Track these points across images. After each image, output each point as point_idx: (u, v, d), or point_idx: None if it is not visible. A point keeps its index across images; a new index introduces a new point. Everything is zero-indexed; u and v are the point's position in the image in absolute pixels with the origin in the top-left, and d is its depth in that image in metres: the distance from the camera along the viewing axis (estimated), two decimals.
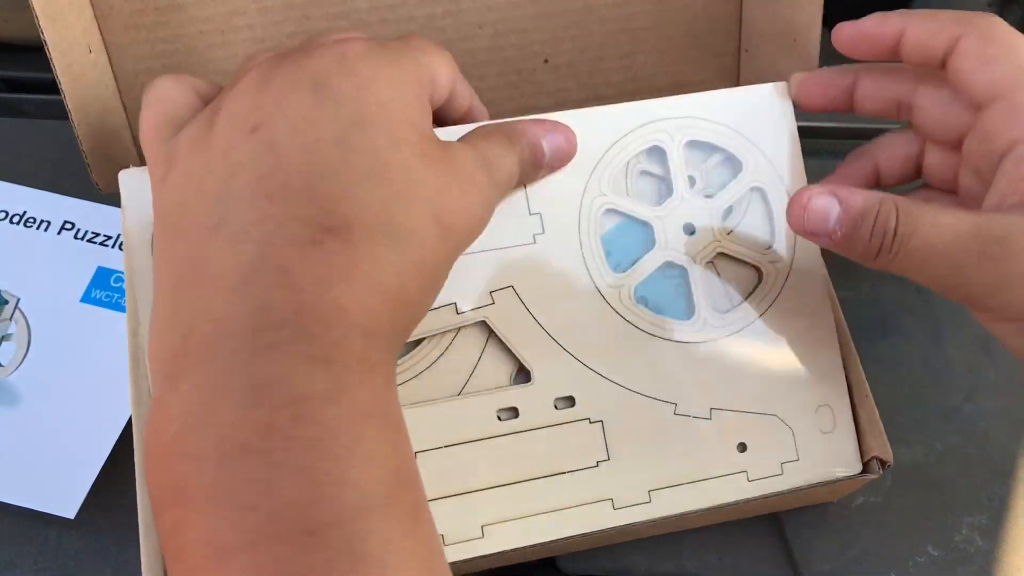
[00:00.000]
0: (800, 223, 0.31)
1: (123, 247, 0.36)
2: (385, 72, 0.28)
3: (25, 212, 0.47)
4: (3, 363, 0.44)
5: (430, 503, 0.30)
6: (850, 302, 0.40)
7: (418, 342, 0.35)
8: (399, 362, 0.35)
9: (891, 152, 0.38)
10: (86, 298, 0.45)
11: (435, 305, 0.35)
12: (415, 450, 0.34)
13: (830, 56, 0.38)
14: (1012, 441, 0.44)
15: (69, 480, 0.41)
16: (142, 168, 0.34)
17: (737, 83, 0.45)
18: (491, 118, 0.36)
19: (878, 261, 0.30)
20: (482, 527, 0.34)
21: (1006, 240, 0.28)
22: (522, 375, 0.36)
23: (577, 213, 0.36)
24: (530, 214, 0.36)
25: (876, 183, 0.38)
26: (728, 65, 0.45)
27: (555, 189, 0.36)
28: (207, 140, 0.27)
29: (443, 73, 0.31)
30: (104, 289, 0.46)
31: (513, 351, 0.35)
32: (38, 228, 0.47)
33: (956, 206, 0.31)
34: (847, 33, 0.35)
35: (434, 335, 0.35)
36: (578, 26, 0.43)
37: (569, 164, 0.36)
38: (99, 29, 0.39)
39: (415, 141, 0.28)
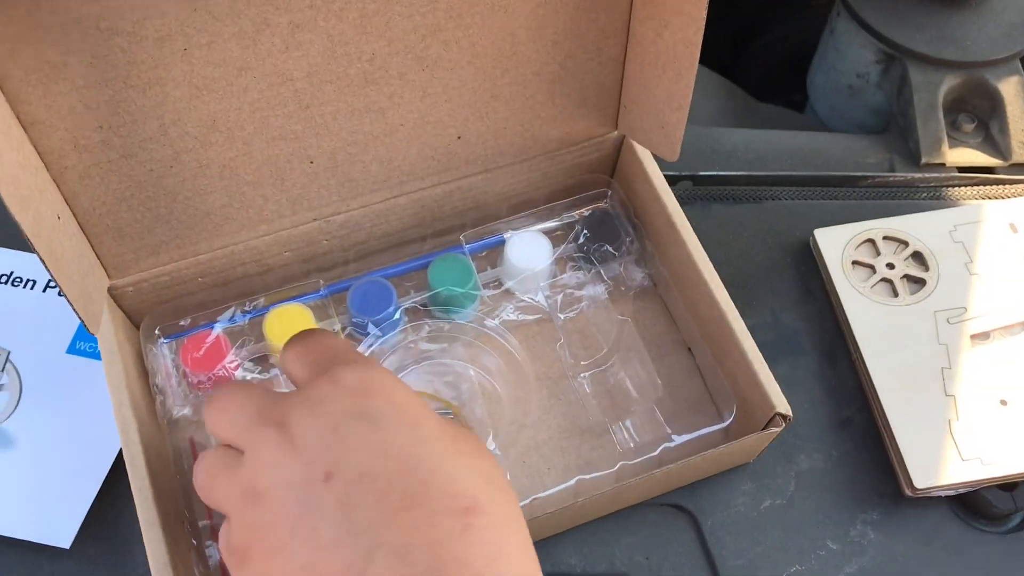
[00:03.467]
0: None
1: None
2: (395, 386, 0.31)
3: (12, 272, 0.52)
4: None
5: None
6: (754, 328, 0.46)
7: None
8: None
9: None
10: (71, 349, 0.50)
11: None
12: None
13: None
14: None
15: (64, 513, 0.45)
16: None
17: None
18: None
19: None
20: None
21: None
22: None
23: None
24: None
25: None
26: None
27: None
28: (310, 487, 0.28)
29: None
30: (88, 341, 0.50)
31: None
32: (25, 287, 0.51)
33: None
34: None
35: None
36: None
37: None
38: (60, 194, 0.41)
39: (437, 424, 0.31)
